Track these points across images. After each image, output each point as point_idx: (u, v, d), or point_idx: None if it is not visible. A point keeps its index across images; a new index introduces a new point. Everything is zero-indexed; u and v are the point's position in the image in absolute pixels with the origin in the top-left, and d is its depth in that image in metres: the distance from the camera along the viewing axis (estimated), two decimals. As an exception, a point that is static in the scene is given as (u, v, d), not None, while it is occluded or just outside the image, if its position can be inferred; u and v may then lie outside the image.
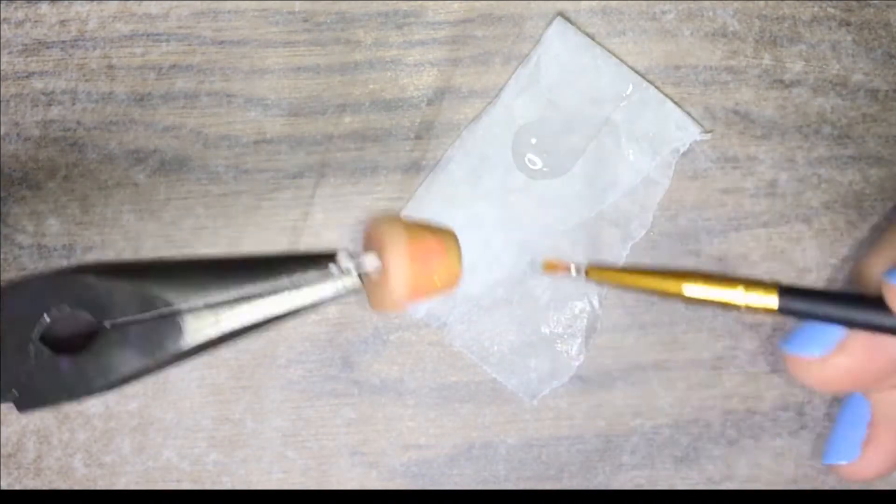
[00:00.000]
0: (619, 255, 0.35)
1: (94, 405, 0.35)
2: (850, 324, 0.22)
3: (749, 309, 0.21)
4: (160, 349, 0.23)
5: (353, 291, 0.24)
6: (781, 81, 0.35)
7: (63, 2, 0.34)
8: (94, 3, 0.34)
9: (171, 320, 0.23)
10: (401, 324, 0.35)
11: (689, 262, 0.35)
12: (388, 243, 0.24)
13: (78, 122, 0.34)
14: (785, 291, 0.21)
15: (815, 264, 0.35)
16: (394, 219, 0.25)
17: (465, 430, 0.35)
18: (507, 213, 0.34)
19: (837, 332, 0.24)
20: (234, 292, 0.23)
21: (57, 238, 0.34)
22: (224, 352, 0.35)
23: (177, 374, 0.35)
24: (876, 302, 0.21)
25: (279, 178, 0.35)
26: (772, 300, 0.21)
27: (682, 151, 0.35)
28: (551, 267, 0.24)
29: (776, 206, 0.35)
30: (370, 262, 0.24)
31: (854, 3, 0.35)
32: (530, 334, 0.35)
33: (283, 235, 0.35)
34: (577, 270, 0.24)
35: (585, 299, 0.35)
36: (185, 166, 0.34)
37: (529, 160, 0.34)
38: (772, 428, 0.35)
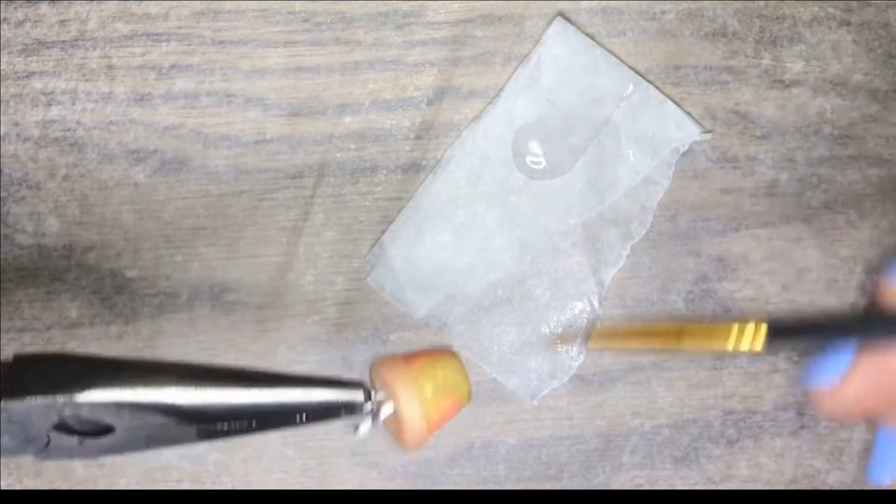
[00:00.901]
0: (619, 254, 0.35)
1: (94, 405, 0.35)
2: (839, 338, 0.22)
3: (738, 354, 0.22)
4: (166, 444, 0.25)
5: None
6: (781, 81, 0.35)
7: (63, 2, 0.34)
8: (94, 3, 0.34)
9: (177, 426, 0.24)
10: (401, 324, 0.35)
11: (688, 262, 0.35)
12: (400, 396, 0.26)
13: (78, 122, 0.34)
14: (772, 329, 0.22)
15: (815, 264, 0.35)
16: (396, 363, 0.26)
17: (465, 430, 0.35)
18: (507, 213, 0.34)
19: (843, 362, 0.24)
20: (249, 418, 0.25)
21: (57, 238, 0.34)
22: (224, 351, 0.35)
23: (177, 374, 0.35)
24: (862, 315, 0.22)
25: (279, 178, 0.35)
26: (759, 340, 0.22)
27: (682, 151, 0.35)
28: (564, 340, 0.26)
29: (776, 206, 0.35)
30: (385, 410, 0.26)
31: (854, 3, 0.35)
32: (530, 334, 0.35)
33: (283, 235, 0.35)
34: (583, 339, 0.25)
35: (585, 299, 0.35)
36: (185, 166, 0.34)
37: (529, 160, 0.34)
38: (772, 428, 0.35)
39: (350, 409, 0.25)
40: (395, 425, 0.26)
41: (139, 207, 0.34)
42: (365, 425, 0.26)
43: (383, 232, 0.35)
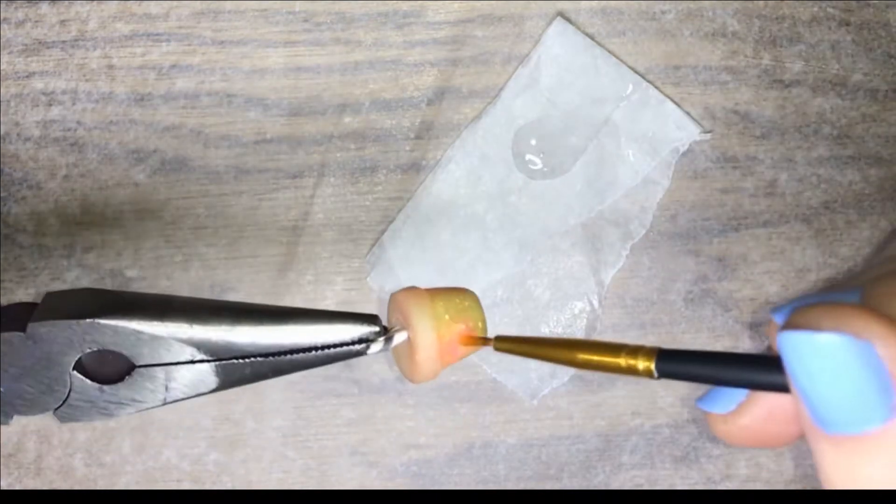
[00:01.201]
0: (619, 254, 0.35)
1: (94, 405, 0.35)
2: (729, 383, 0.23)
3: (632, 372, 0.23)
4: (184, 389, 0.26)
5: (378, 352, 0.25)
6: (781, 81, 0.35)
7: (63, 2, 0.34)
8: (95, 3, 0.34)
9: (196, 367, 0.25)
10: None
11: (688, 262, 0.35)
12: (412, 311, 0.25)
13: (78, 122, 0.34)
14: (663, 356, 0.22)
15: (814, 264, 0.35)
16: (416, 293, 0.25)
17: (465, 430, 0.35)
18: (507, 213, 0.34)
19: (740, 393, 0.25)
20: (264, 344, 0.24)
21: (57, 238, 0.34)
22: (224, 352, 0.35)
23: (177, 374, 0.35)
24: (756, 359, 0.22)
25: (279, 178, 0.35)
26: (651, 365, 0.22)
27: (681, 151, 0.35)
28: (468, 340, 0.26)
29: (776, 206, 0.35)
30: (399, 337, 0.25)
31: (854, 3, 0.35)
32: (530, 334, 0.35)
33: (283, 235, 0.35)
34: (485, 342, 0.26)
35: (585, 299, 0.35)
36: (185, 166, 0.34)
37: (529, 160, 0.34)
38: (772, 428, 0.35)
39: (365, 342, 0.25)
40: (407, 352, 0.26)
41: (139, 207, 0.35)
42: (377, 345, 0.25)
43: (383, 232, 0.35)
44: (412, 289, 0.25)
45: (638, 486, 0.35)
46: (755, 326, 0.35)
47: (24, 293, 0.34)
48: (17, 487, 0.34)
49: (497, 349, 0.25)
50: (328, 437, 0.35)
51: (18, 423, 0.35)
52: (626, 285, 0.35)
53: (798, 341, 0.19)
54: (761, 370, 0.21)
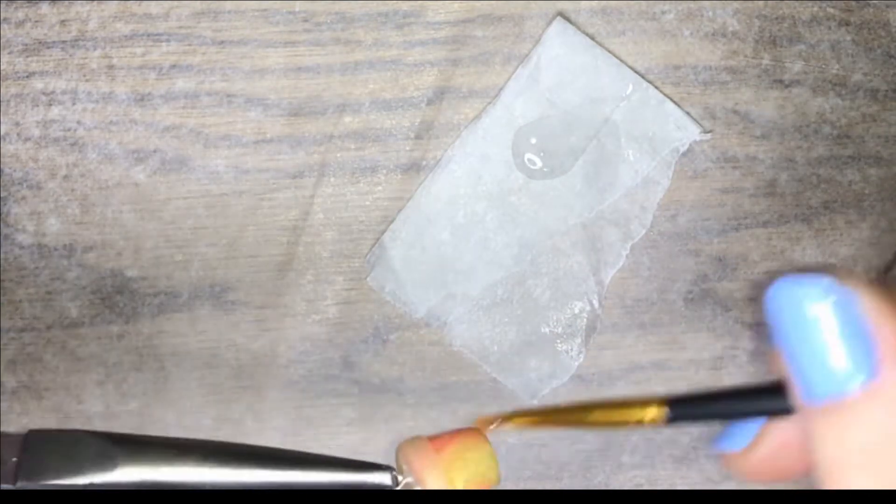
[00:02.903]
0: (619, 254, 0.35)
1: (94, 405, 0.35)
2: (738, 416, 0.23)
3: (642, 425, 0.23)
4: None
5: None
6: (781, 81, 0.35)
7: (63, 2, 0.34)
8: (95, 2, 0.34)
9: None
10: (401, 323, 0.35)
11: (688, 262, 0.35)
12: (419, 466, 0.25)
13: (78, 122, 0.34)
14: (673, 405, 0.23)
15: (814, 264, 0.35)
16: (425, 452, 0.26)
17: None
18: (507, 213, 0.34)
19: (752, 429, 0.25)
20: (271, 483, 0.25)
21: (57, 238, 0.34)
22: (224, 351, 0.35)
23: (177, 374, 0.35)
24: (759, 389, 0.22)
25: (279, 178, 0.35)
26: (662, 415, 0.23)
27: (681, 151, 0.35)
28: (482, 423, 0.27)
29: (776, 205, 0.35)
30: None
31: (854, 3, 0.35)
32: (530, 334, 0.35)
33: (283, 235, 0.35)
34: (500, 422, 0.26)
35: (585, 299, 0.35)
36: (185, 166, 0.34)
37: (529, 160, 0.34)
38: (772, 428, 0.35)
39: (377, 489, 0.25)
40: None
41: (139, 207, 0.35)
42: None
43: (383, 232, 0.35)
44: (422, 448, 0.26)
45: (638, 486, 0.35)
46: (755, 327, 0.35)
47: (24, 293, 0.34)
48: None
49: (512, 427, 0.25)
50: (328, 437, 0.35)
51: (18, 423, 0.35)
52: (626, 285, 0.35)
53: (782, 290, 0.20)
54: (765, 398, 0.22)
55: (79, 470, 0.23)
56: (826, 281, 0.19)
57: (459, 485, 0.26)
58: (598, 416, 0.24)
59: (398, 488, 0.25)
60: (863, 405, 0.19)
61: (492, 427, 0.26)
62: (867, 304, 0.19)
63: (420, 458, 0.25)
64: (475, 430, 0.26)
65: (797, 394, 0.20)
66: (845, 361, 0.19)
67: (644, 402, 0.23)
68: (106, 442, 0.24)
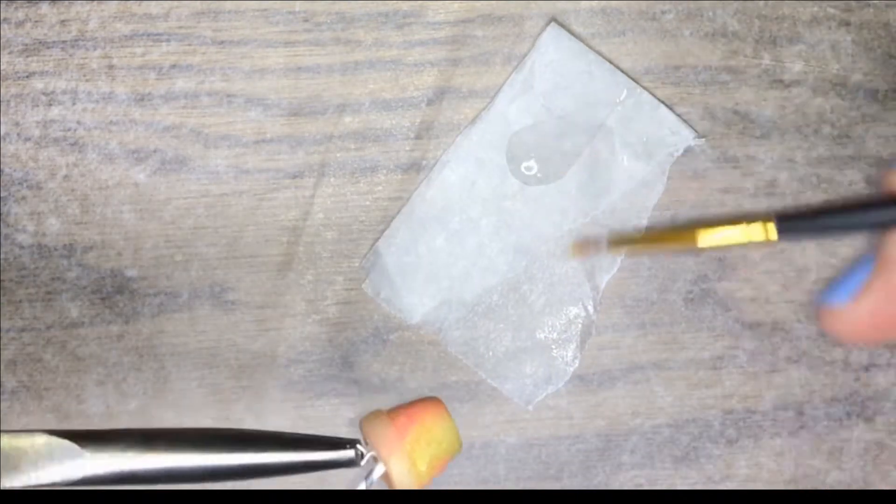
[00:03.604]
0: (614, 259, 0.35)
1: (94, 405, 0.35)
2: (854, 228, 0.23)
3: (754, 242, 0.23)
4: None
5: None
6: (781, 81, 0.35)
7: (63, 2, 0.34)
8: (95, 3, 0.34)
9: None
10: (400, 324, 0.35)
11: (688, 262, 0.35)
12: (384, 452, 0.27)
13: (78, 122, 0.34)
14: (781, 220, 0.22)
15: (815, 264, 0.35)
16: (386, 431, 0.27)
17: (464, 429, 0.35)
18: (501, 219, 0.34)
19: (858, 282, 0.25)
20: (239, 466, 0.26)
21: (57, 238, 0.34)
22: (224, 351, 0.35)
23: (177, 374, 0.35)
24: (872, 201, 0.22)
25: (279, 178, 0.35)
26: (771, 229, 0.22)
27: (675, 156, 0.35)
28: (579, 249, 0.26)
29: (776, 205, 0.35)
30: (378, 471, 0.27)
31: (854, 3, 0.35)
32: (525, 339, 0.35)
33: (283, 235, 0.35)
34: (601, 247, 0.25)
35: (580, 304, 0.35)
36: (185, 166, 0.34)
37: (524, 166, 0.34)
38: (771, 427, 0.35)
39: (343, 465, 0.26)
40: (388, 482, 0.27)
41: (139, 207, 0.35)
42: (360, 486, 0.27)
43: (383, 232, 0.35)
44: (383, 427, 0.26)
45: (638, 486, 0.35)
46: (755, 327, 0.35)
47: (24, 293, 0.34)
48: (18, 487, 0.34)
49: (612, 251, 0.25)
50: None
51: (18, 423, 0.35)
52: (626, 285, 0.35)
53: None
54: (877, 208, 0.21)
55: (45, 469, 0.24)
56: None
57: (423, 467, 0.27)
58: (706, 238, 0.23)
59: (363, 463, 0.26)
60: None
61: (590, 253, 0.25)
62: None
63: (384, 445, 0.26)
64: (434, 403, 0.27)
65: None
66: None
67: (749, 220, 0.22)
68: (70, 439, 0.25)
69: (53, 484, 0.24)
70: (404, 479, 0.27)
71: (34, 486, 0.24)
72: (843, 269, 0.25)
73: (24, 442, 0.24)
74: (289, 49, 0.34)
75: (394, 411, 0.27)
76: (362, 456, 0.27)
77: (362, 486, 0.27)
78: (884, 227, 0.22)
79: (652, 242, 0.25)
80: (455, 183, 0.34)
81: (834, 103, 0.35)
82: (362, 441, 0.27)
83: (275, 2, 0.34)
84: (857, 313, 0.24)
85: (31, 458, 0.24)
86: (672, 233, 0.24)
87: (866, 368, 0.35)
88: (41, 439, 0.24)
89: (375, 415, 0.27)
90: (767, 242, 0.22)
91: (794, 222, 0.22)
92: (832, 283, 0.25)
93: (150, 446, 0.25)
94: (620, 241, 0.25)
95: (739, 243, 0.22)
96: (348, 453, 0.26)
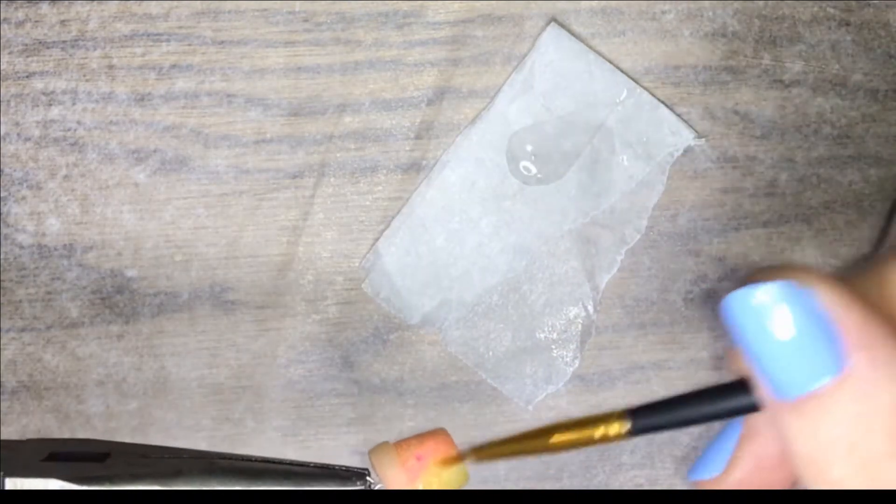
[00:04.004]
0: (614, 259, 0.35)
1: (94, 405, 0.35)
2: (702, 419, 0.23)
3: (607, 440, 0.23)
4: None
5: None
6: (781, 81, 0.35)
7: (63, 2, 0.34)
8: (95, 3, 0.34)
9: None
10: (400, 324, 0.35)
11: (688, 262, 0.35)
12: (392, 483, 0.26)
13: (78, 122, 0.34)
14: (636, 415, 0.23)
15: (814, 264, 0.35)
16: (396, 469, 0.26)
17: (465, 430, 0.35)
18: (501, 219, 0.34)
19: (726, 452, 0.25)
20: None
21: (57, 238, 0.34)
22: (224, 351, 0.35)
23: (177, 374, 0.35)
24: (720, 388, 0.22)
25: (279, 178, 0.35)
26: (625, 426, 0.23)
27: (675, 156, 0.35)
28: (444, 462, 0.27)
29: (776, 205, 0.35)
30: None
31: (854, 3, 0.35)
32: (525, 340, 0.35)
33: (283, 235, 0.35)
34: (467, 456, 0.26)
35: (580, 304, 0.35)
36: (185, 166, 0.34)
37: (524, 166, 0.34)
38: (771, 428, 0.35)
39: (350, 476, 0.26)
40: None
41: (139, 207, 0.35)
42: None
43: (384, 232, 0.35)
44: (393, 465, 0.26)
45: (638, 486, 0.35)
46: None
47: (24, 293, 0.34)
48: (18, 487, 0.34)
49: (475, 461, 0.25)
50: (328, 437, 0.35)
51: (18, 423, 0.35)
52: (626, 285, 0.35)
53: (739, 299, 0.19)
54: (729, 396, 0.22)
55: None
56: (781, 283, 0.19)
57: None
58: (559, 438, 0.24)
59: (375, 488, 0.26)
60: (834, 397, 0.19)
61: (453, 465, 0.26)
62: (826, 297, 0.19)
63: (393, 479, 0.26)
64: (446, 442, 0.27)
65: (765, 392, 0.20)
66: (811, 357, 0.19)
67: (606, 417, 0.23)
68: (78, 481, 0.25)
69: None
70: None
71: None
72: (709, 441, 0.25)
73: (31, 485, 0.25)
74: (289, 49, 0.35)
75: (403, 449, 0.27)
76: (371, 488, 0.26)
77: None
78: (738, 413, 0.22)
79: (511, 447, 0.25)
80: (455, 183, 0.34)
81: (834, 103, 0.35)
82: (371, 472, 0.27)
83: (275, 2, 0.34)
84: (727, 483, 0.25)
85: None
86: (528, 437, 0.24)
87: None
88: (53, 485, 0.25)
89: (384, 450, 0.27)
90: (622, 439, 0.22)
91: (648, 418, 0.22)
92: (701, 456, 0.26)
93: (157, 480, 0.25)
94: (482, 449, 0.25)
95: (594, 441, 0.23)
96: (357, 487, 0.26)
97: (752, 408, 0.21)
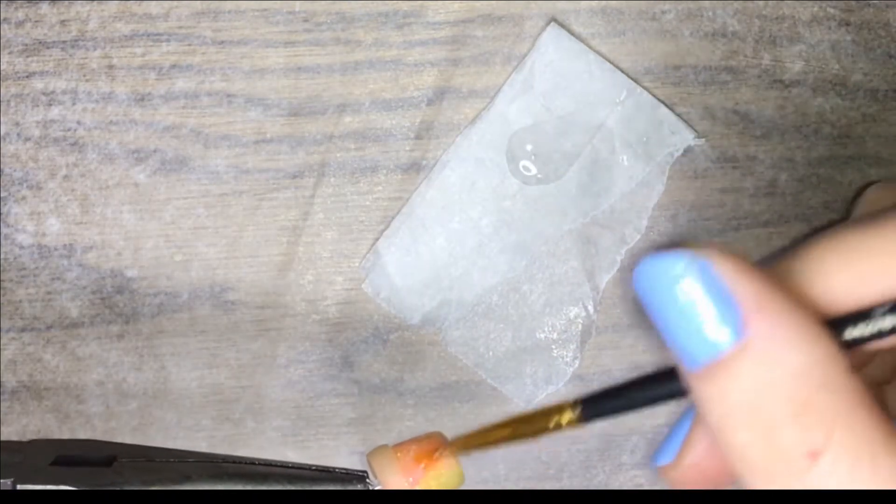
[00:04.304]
0: (614, 259, 0.35)
1: (94, 405, 0.35)
2: (643, 402, 0.24)
3: (559, 428, 0.24)
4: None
5: None
6: (781, 81, 0.35)
7: (63, 2, 0.34)
8: (95, 3, 0.34)
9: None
10: (400, 323, 0.35)
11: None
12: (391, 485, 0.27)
13: (78, 122, 0.34)
14: (586, 403, 0.24)
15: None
16: (393, 472, 0.27)
17: (465, 429, 0.35)
18: (501, 219, 0.35)
19: (679, 438, 0.26)
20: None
21: (57, 238, 0.34)
22: (224, 351, 0.35)
23: (177, 374, 0.35)
24: (655, 375, 0.23)
25: (279, 178, 0.35)
26: (577, 414, 0.24)
27: (675, 156, 0.35)
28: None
29: (776, 205, 0.35)
30: None
31: (854, 3, 0.35)
32: (525, 339, 0.35)
33: (283, 235, 0.35)
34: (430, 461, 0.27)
35: (580, 304, 0.35)
36: (185, 166, 0.34)
37: (524, 166, 0.34)
38: (771, 428, 0.35)
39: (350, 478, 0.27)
40: None
41: (139, 207, 0.35)
42: None
43: (384, 232, 0.35)
44: (390, 468, 0.27)
45: (638, 486, 0.35)
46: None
47: (24, 293, 0.34)
48: (17, 487, 0.34)
49: (454, 454, 0.27)
50: (328, 437, 0.35)
51: (18, 423, 0.35)
52: (626, 285, 0.35)
53: (644, 270, 0.21)
54: (665, 381, 0.23)
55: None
56: (683, 252, 0.20)
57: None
58: (517, 428, 0.25)
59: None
60: (735, 362, 0.20)
61: (421, 467, 0.27)
62: (723, 267, 0.20)
63: (390, 482, 0.26)
64: (439, 442, 0.27)
65: (680, 365, 0.21)
66: (713, 324, 0.20)
67: (559, 408, 0.24)
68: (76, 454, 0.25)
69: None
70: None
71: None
72: (670, 428, 0.26)
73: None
74: (289, 49, 0.35)
75: (402, 451, 0.27)
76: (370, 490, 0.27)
77: None
78: (674, 396, 0.23)
79: (478, 439, 0.26)
80: (455, 183, 0.34)
81: (834, 103, 0.35)
82: (370, 473, 0.27)
83: (275, 2, 0.34)
84: (682, 465, 0.25)
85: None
86: (493, 429, 0.25)
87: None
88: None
89: (382, 453, 0.27)
90: (574, 426, 0.24)
91: (598, 405, 0.24)
92: (661, 444, 0.26)
93: (158, 481, 0.25)
94: (454, 443, 0.27)
95: (549, 430, 0.24)
96: (357, 489, 0.26)
97: (682, 392, 0.22)
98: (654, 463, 0.27)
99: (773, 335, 0.20)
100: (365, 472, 0.27)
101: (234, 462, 0.26)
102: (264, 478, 0.26)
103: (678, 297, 0.20)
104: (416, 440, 0.28)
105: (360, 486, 0.26)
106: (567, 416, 0.24)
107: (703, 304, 0.20)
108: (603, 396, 0.24)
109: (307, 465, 0.27)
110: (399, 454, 0.27)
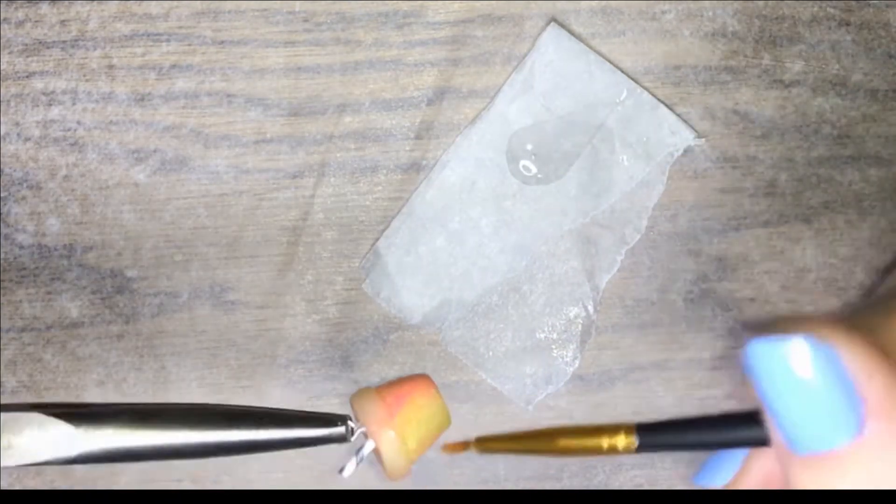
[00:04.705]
0: (614, 259, 0.35)
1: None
2: (710, 446, 0.23)
3: (614, 452, 0.23)
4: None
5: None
6: (781, 81, 0.35)
7: (63, 2, 0.34)
8: (95, 3, 0.34)
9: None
10: (400, 323, 0.35)
11: (688, 262, 0.35)
12: (374, 430, 0.28)
13: (78, 122, 0.34)
14: (642, 430, 0.22)
15: (814, 264, 0.35)
16: (377, 409, 0.27)
17: (464, 430, 0.35)
18: (501, 219, 0.34)
19: (734, 462, 0.25)
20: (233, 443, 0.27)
21: (57, 238, 0.34)
22: (224, 351, 0.35)
23: (177, 374, 0.35)
24: (732, 417, 0.22)
25: (279, 178, 0.35)
26: (632, 441, 0.22)
27: (676, 156, 0.35)
28: (451, 448, 0.28)
29: (776, 205, 0.35)
30: (368, 447, 0.28)
31: (854, 3, 0.35)
32: (525, 340, 0.35)
33: (283, 235, 0.35)
34: (469, 446, 0.27)
35: (580, 304, 0.35)
36: (185, 166, 0.34)
37: (524, 166, 0.34)
38: (771, 428, 0.35)
39: (334, 441, 0.27)
40: (378, 458, 0.28)
41: (139, 207, 0.35)
42: (350, 466, 0.28)
43: (384, 232, 0.35)
44: (373, 405, 0.27)
45: (638, 486, 0.35)
46: (755, 327, 0.35)
47: (24, 293, 0.34)
48: (17, 487, 0.34)
49: (479, 451, 0.26)
50: (328, 437, 0.35)
51: (18, 422, 0.35)
52: (626, 285, 0.35)
53: (764, 350, 0.19)
54: (738, 427, 0.21)
55: (39, 447, 0.24)
56: (805, 338, 0.19)
57: (413, 444, 0.28)
58: (566, 443, 0.23)
59: (353, 438, 0.27)
60: (847, 459, 0.18)
61: (459, 452, 0.27)
62: (850, 358, 0.18)
63: (374, 424, 0.27)
64: (424, 381, 0.28)
65: (778, 440, 0.20)
66: (832, 418, 0.18)
67: (614, 429, 0.22)
68: (64, 418, 0.25)
69: (47, 462, 0.24)
70: (394, 457, 0.27)
71: (28, 464, 0.25)
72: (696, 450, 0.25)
73: (18, 420, 0.25)
74: (289, 49, 0.35)
75: (383, 389, 0.28)
76: (353, 432, 0.27)
77: (353, 461, 0.28)
78: (746, 445, 0.21)
79: (517, 444, 0.25)
80: (455, 183, 0.34)
81: (834, 103, 0.35)
82: (353, 417, 0.28)
83: (275, 2, 0.34)
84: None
85: (25, 436, 0.25)
86: (536, 437, 0.24)
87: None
88: (36, 417, 0.25)
89: (365, 393, 0.28)
90: (626, 452, 0.22)
91: (655, 437, 0.22)
92: (709, 461, 0.25)
93: (143, 423, 0.25)
94: (488, 440, 0.26)
95: (599, 451, 0.23)
96: (339, 430, 0.27)
97: (762, 442, 0.21)
98: (699, 482, 0.25)
99: (892, 438, 0.18)
100: (348, 416, 0.27)
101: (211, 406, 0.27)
102: (240, 417, 0.26)
103: (797, 386, 0.19)
104: (400, 379, 0.28)
105: (342, 429, 0.27)
106: (623, 441, 0.22)
107: (822, 394, 0.18)
108: (663, 428, 0.22)
109: (290, 409, 0.27)
110: (381, 391, 0.27)
